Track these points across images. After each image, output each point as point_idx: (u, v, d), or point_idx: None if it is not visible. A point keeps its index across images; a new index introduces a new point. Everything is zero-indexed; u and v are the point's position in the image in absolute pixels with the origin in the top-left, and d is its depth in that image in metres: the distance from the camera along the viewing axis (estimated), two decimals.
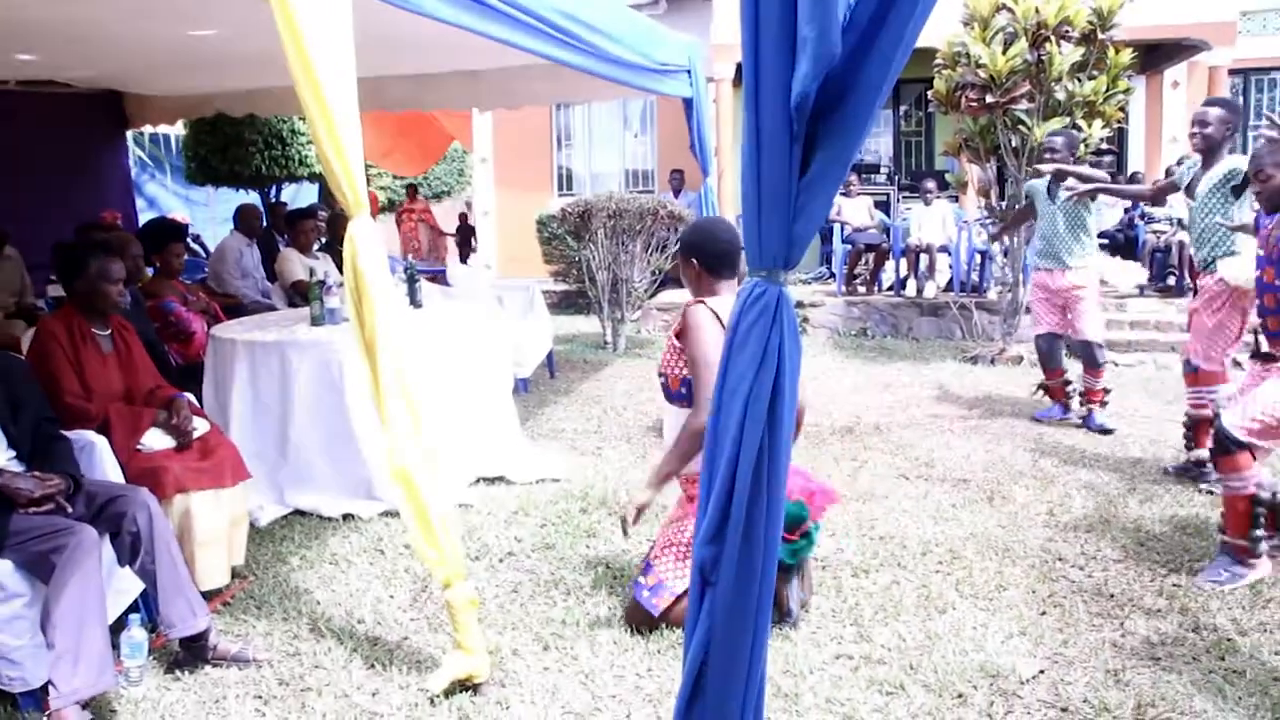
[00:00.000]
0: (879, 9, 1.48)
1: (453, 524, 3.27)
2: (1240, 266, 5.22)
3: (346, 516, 4.94)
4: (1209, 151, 5.44)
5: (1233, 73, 12.96)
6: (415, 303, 6.14)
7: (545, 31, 4.32)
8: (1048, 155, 7.00)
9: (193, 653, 3.43)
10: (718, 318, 3.52)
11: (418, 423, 3.20)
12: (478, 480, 5.51)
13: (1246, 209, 5.28)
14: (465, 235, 17.03)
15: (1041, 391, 7.24)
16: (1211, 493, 5.25)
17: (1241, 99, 14.53)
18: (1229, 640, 3.57)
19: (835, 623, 3.71)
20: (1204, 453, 5.51)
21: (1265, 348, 4.20)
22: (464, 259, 16.02)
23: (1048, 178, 6.95)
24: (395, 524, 4.75)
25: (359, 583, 4.17)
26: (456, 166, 23.58)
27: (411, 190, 17.15)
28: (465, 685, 3.23)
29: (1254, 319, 4.63)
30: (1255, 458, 4.05)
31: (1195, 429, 5.59)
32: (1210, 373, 5.43)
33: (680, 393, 3.63)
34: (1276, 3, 13.76)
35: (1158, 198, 5.91)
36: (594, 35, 5.04)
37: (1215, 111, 5.44)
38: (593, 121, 15.64)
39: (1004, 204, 9.24)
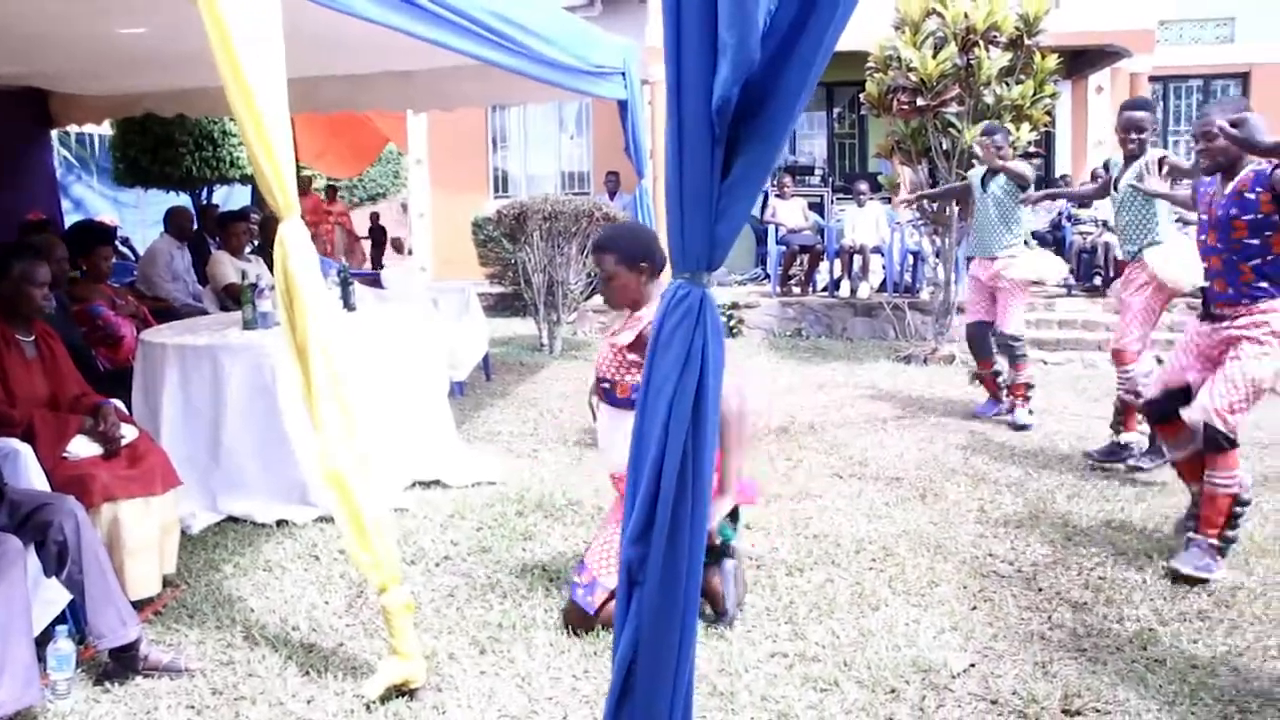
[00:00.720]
0: (799, 15, 1.50)
1: (387, 528, 3.26)
2: (1165, 258, 5.42)
3: (281, 522, 4.89)
4: (1135, 157, 5.64)
5: (1153, 79, 13.36)
6: (349, 306, 6.10)
7: (476, 32, 4.31)
8: (995, 149, 7.09)
9: (123, 664, 3.37)
10: None
11: (351, 427, 3.18)
12: (413, 484, 5.48)
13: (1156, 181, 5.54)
14: (378, 238, 16.92)
15: (977, 382, 7.38)
16: (1139, 468, 5.42)
17: (1161, 104, 14.97)
18: (1151, 630, 3.67)
19: (770, 621, 3.75)
20: (1131, 436, 5.76)
21: (1212, 309, 4.33)
22: (377, 263, 15.87)
23: (983, 169, 7.12)
24: (330, 529, 4.71)
25: (294, 589, 4.13)
26: (392, 168, 23.38)
27: (331, 192, 16.95)
28: (401, 690, 3.22)
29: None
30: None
31: (1125, 413, 5.78)
32: (1123, 351, 5.64)
33: (630, 399, 3.63)
34: (1190, 14, 14.20)
35: (1102, 195, 6.13)
36: (527, 37, 5.04)
37: (1146, 115, 5.66)
38: (528, 123, 15.60)
39: (935, 205, 9.38)
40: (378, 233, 16.97)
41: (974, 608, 3.90)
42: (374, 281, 8.86)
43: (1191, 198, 4.64)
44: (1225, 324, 4.22)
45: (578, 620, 3.64)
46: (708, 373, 1.80)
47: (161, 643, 3.61)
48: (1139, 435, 5.77)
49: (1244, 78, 14.82)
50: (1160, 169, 5.51)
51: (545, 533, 4.74)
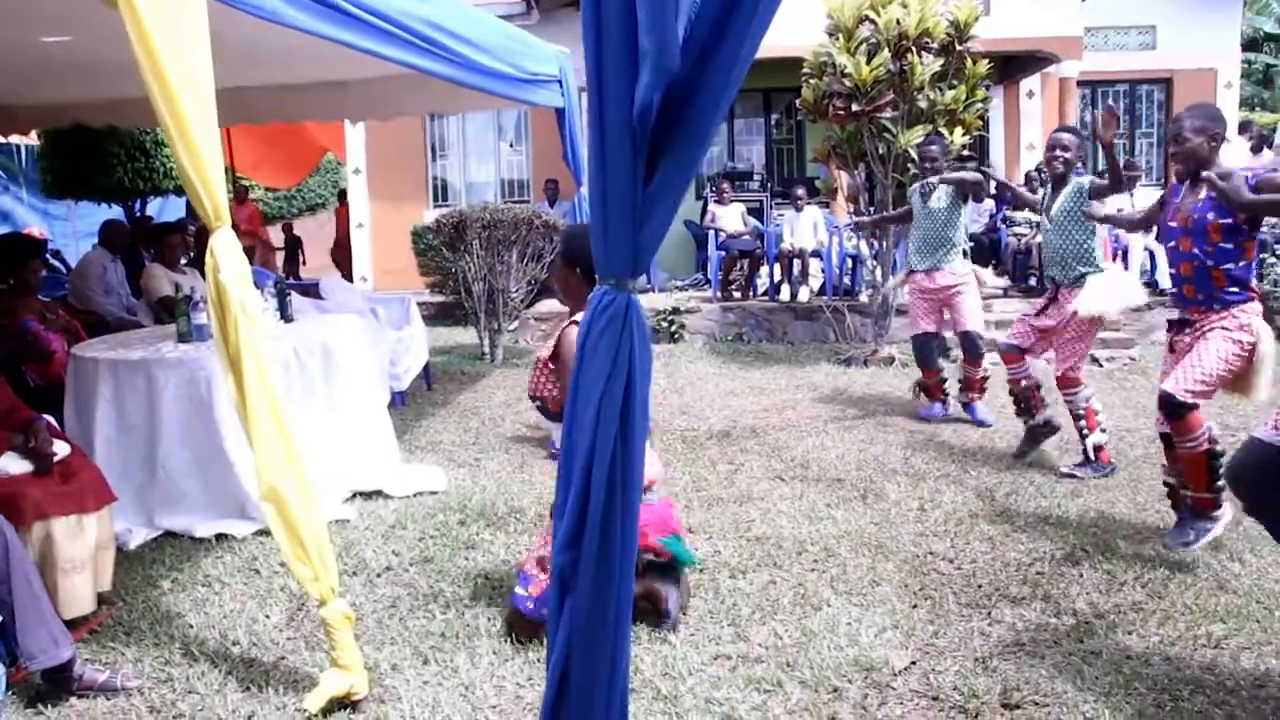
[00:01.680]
0: (718, 22, 1.52)
1: (326, 540, 3.23)
2: (1095, 296, 5.53)
3: (220, 537, 4.82)
4: (1066, 176, 5.76)
5: (1081, 84, 13.65)
6: (286, 317, 6.03)
7: (410, 41, 4.29)
8: (928, 164, 7.24)
9: (56, 685, 3.31)
10: None
11: (287, 439, 3.15)
12: (354, 495, 5.44)
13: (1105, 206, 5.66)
14: (292, 249, 16.76)
15: (919, 389, 7.47)
16: (1074, 476, 5.52)
17: (1090, 108, 15.31)
18: (1087, 623, 3.73)
19: (713, 624, 3.76)
20: (1045, 414, 6.02)
21: (1183, 314, 4.43)
22: (292, 274, 15.71)
23: (923, 181, 7.24)
24: (270, 543, 4.65)
25: (233, 604, 4.08)
26: (330, 178, 23.19)
27: (240, 201, 16.74)
28: (343, 703, 3.19)
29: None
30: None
31: (1027, 399, 6.01)
32: (1072, 377, 5.72)
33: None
34: (1115, 21, 14.61)
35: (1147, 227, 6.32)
36: (461, 45, 5.02)
37: (1071, 137, 5.80)
38: (467, 132, 15.54)
39: (872, 209, 9.48)
40: (293, 243, 16.81)
41: (915, 606, 3.94)
42: (313, 292, 8.77)
43: (1155, 210, 4.73)
44: (1197, 326, 4.33)
45: (521, 627, 3.63)
46: (635, 378, 1.80)
47: (96, 662, 3.54)
48: (1045, 409, 6.01)
49: (1167, 83, 15.23)
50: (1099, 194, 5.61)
51: (488, 541, 4.72)
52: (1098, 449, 5.70)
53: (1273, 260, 10.79)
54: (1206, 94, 14.71)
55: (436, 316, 12.65)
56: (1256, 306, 4.27)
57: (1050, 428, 6.05)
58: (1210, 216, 4.20)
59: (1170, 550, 4.34)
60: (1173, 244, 4.41)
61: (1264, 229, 11.36)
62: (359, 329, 6.15)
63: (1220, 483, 4.26)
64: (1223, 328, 4.25)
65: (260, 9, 3.37)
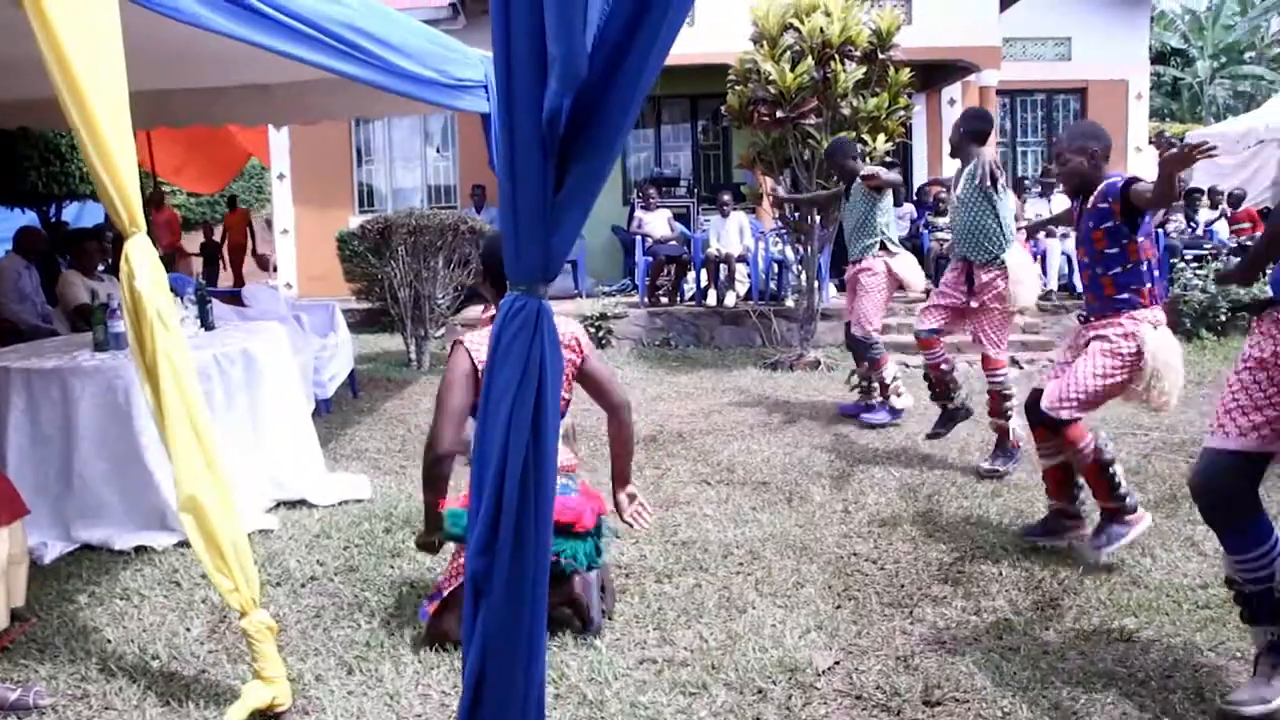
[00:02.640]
0: (626, 29, 1.53)
1: (247, 550, 3.19)
2: (1018, 274, 5.73)
3: (139, 549, 4.72)
4: (954, 153, 6.06)
5: (1000, 92, 13.99)
6: (207, 324, 5.94)
7: (332, 45, 4.24)
8: (842, 164, 7.42)
9: None
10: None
11: (207, 448, 3.10)
12: (278, 505, 5.37)
13: (1008, 202, 5.90)
14: (210, 255, 16.52)
15: (857, 380, 7.59)
16: (993, 473, 5.69)
17: (1009, 116, 15.70)
18: (1006, 620, 3.81)
19: (639, 628, 3.78)
20: (964, 396, 6.25)
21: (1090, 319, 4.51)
22: (211, 280, 15.48)
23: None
24: (192, 554, 4.53)
25: (153, 617, 4.00)
26: (255, 183, 22.86)
27: (158, 205, 16.47)
28: (266, 715, 3.15)
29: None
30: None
31: (944, 383, 6.20)
32: (997, 359, 5.90)
33: None
34: (1032, 33, 15.02)
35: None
36: (384, 50, 4.97)
37: (958, 120, 6.08)
38: (394, 137, 15.43)
39: (797, 214, 9.58)
40: (210, 249, 16.55)
41: (838, 606, 3.99)
42: (235, 299, 8.64)
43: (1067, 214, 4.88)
44: (1090, 330, 4.42)
45: (438, 635, 3.62)
46: (546, 383, 1.81)
47: (8, 680, 3.45)
48: (959, 392, 6.22)
49: (1082, 93, 15.68)
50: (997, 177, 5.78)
51: (413, 549, 4.66)
52: (1006, 434, 5.88)
53: (1181, 265, 11.10)
54: (1119, 104, 15.15)
55: (362, 323, 12.52)
56: (1148, 313, 4.28)
57: (965, 411, 6.25)
58: (1091, 225, 4.30)
59: (1085, 555, 4.39)
60: (1076, 252, 4.55)
61: (1172, 235, 11.71)
62: (282, 336, 6.07)
63: (1122, 490, 4.35)
64: (1104, 339, 4.30)
65: (177, 11, 3.32)
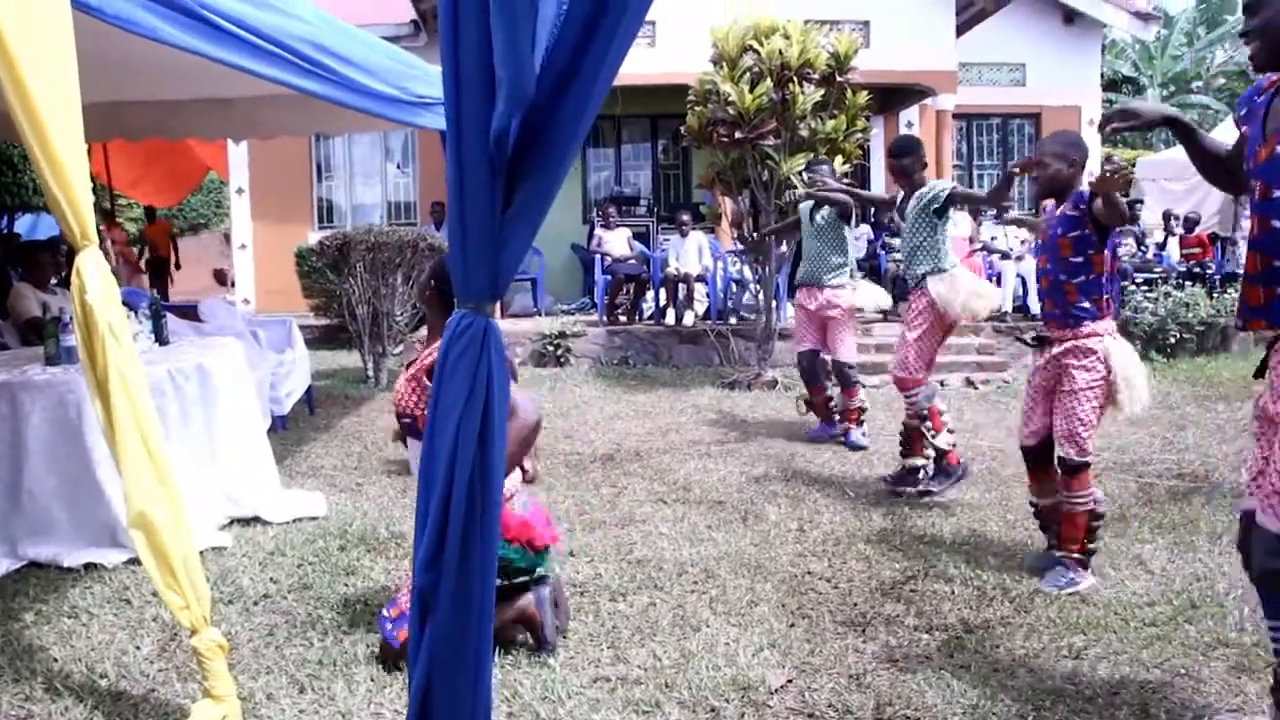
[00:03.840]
0: (574, 53, 1.55)
1: (198, 567, 3.16)
2: (951, 286, 5.74)
3: (89, 566, 4.65)
4: (899, 177, 6.08)
5: (957, 116, 14.22)
6: (162, 339, 5.89)
7: (292, 61, 4.23)
8: (819, 182, 7.40)
9: None
10: None
11: (159, 464, 3.08)
12: (231, 522, 5.32)
13: (949, 226, 5.98)
14: (159, 269, 16.35)
15: (806, 408, 7.61)
16: (928, 492, 5.67)
17: (966, 140, 15.95)
18: (958, 638, 3.84)
19: (593, 647, 3.78)
20: (918, 461, 5.98)
21: (1043, 331, 4.58)
22: (162, 294, 15.33)
23: (811, 201, 7.42)
24: (143, 572, 4.49)
25: (102, 635, 3.95)
26: (214, 197, 22.72)
27: (109, 219, 16.32)
28: None
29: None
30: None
31: (910, 439, 6.02)
32: (908, 379, 5.88)
33: None
34: (988, 58, 15.29)
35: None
36: (345, 67, 4.97)
37: (906, 149, 6.12)
38: (354, 153, 15.40)
39: (756, 234, 9.65)
40: (157, 264, 16.39)
41: (792, 625, 4.01)
42: (192, 314, 8.56)
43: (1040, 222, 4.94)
44: (1055, 348, 4.47)
45: (389, 655, 3.60)
46: (493, 401, 1.82)
47: None
48: (925, 460, 6.00)
49: (1036, 118, 15.98)
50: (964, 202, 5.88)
51: (368, 567, 4.66)
52: (944, 453, 5.85)
53: (1132, 288, 11.27)
54: (1072, 129, 15.38)
55: (320, 339, 12.45)
56: (1107, 325, 4.39)
57: (915, 478, 5.96)
58: (1059, 232, 4.39)
59: (1044, 592, 4.37)
60: (1037, 260, 4.63)
61: (1123, 258, 11.88)
62: (238, 352, 6.03)
63: (1095, 545, 4.43)
64: (1084, 369, 4.37)
65: (133, 24, 3.31)
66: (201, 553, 3.79)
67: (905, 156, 6.04)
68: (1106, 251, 4.36)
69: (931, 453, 5.94)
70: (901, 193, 6.16)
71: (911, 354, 5.87)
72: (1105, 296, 4.40)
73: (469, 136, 1.62)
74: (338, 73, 4.85)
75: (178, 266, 17.27)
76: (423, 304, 3.74)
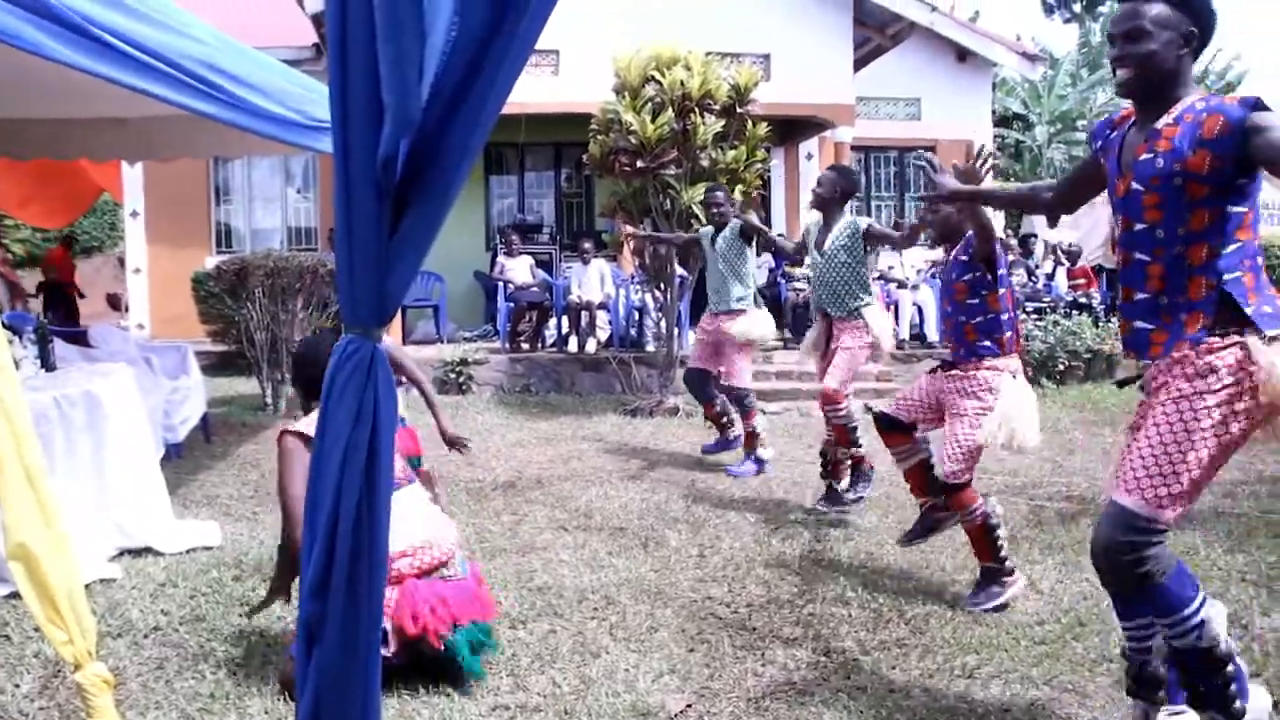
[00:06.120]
0: (463, 80, 1.56)
1: (82, 599, 3.06)
2: (875, 322, 5.92)
3: None
4: (822, 208, 6.14)
5: (855, 148, 14.54)
6: (48, 365, 5.72)
7: (184, 81, 4.15)
8: (714, 210, 7.47)
9: None
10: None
11: (41, 492, 2.98)
12: (121, 553, 5.17)
13: (870, 260, 6.11)
14: (51, 292, 15.88)
15: (711, 423, 7.71)
16: (844, 513, 5.77)
17: (863, 172, 16.32)
18: (855, 660, 3.90)
19: (492, 675, 3.74)
20: (843, 482, 6.15)
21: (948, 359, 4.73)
22: (67, 319, 14.86)
23: (713, 227, 7.49)
24: (24, 605, 4.35)
25: None
26: (108, 220, 22.12)
27: None
28: None
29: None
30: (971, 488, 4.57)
31: (832, 461, 6.16)
32: (834, 392, 5.98)
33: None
34: (885, 92, 15.75)
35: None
36: (242, 89, 4.90)
37: (828, 175, 6.25)
38: (253, 177, 15.13)
39: (657, 262, 9.72)
40: (50, 288, 15.90)
41: (692, 650, 4.03)
42: (82, 340, 8.32)
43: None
44: (955, 373, 4.61)
45: (291, 684, 3.53)
46: (380, 427, 1.81)
47: None
48: (847, 479, 6.14)
49: (932, 150, 16.34)
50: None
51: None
52: (861, 457, 6.07)
53: (1023, 317, 11.60)
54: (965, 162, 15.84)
55: (217, 366, 12.18)
56: (1007, 361, 4.54)
57: (841, 495, 6.13)
58: (954, 276, 4.52)
59: (969, 611, 4.45)
60: (940, 302, 4.76)
61: (1015, 288, 12.27)
62: (129, 379, 5.88)
63: (1003, 554, 4.54)
64: (975, 396, 4.53)
65: (19, 40, 3.23)
66: (89, 585, 3.68)
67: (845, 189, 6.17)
68: (1003, 289, 4.50)
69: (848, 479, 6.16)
70: (817, 223, 6.24)
71: (844, 373, 6.02)
72: (1006, 334, 4.54)
73: (356, 161, 1.62)
74: (234, 95, 4.78)
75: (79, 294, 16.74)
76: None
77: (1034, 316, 11.78)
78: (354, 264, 1.69)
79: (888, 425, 4.85)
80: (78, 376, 5.61)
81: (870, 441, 5.83)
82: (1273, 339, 2.74)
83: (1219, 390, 2.76)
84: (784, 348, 11.68)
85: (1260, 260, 2.88)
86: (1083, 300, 12.75)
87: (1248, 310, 2.77)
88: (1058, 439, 8.36)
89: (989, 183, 3.97)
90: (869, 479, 6.11)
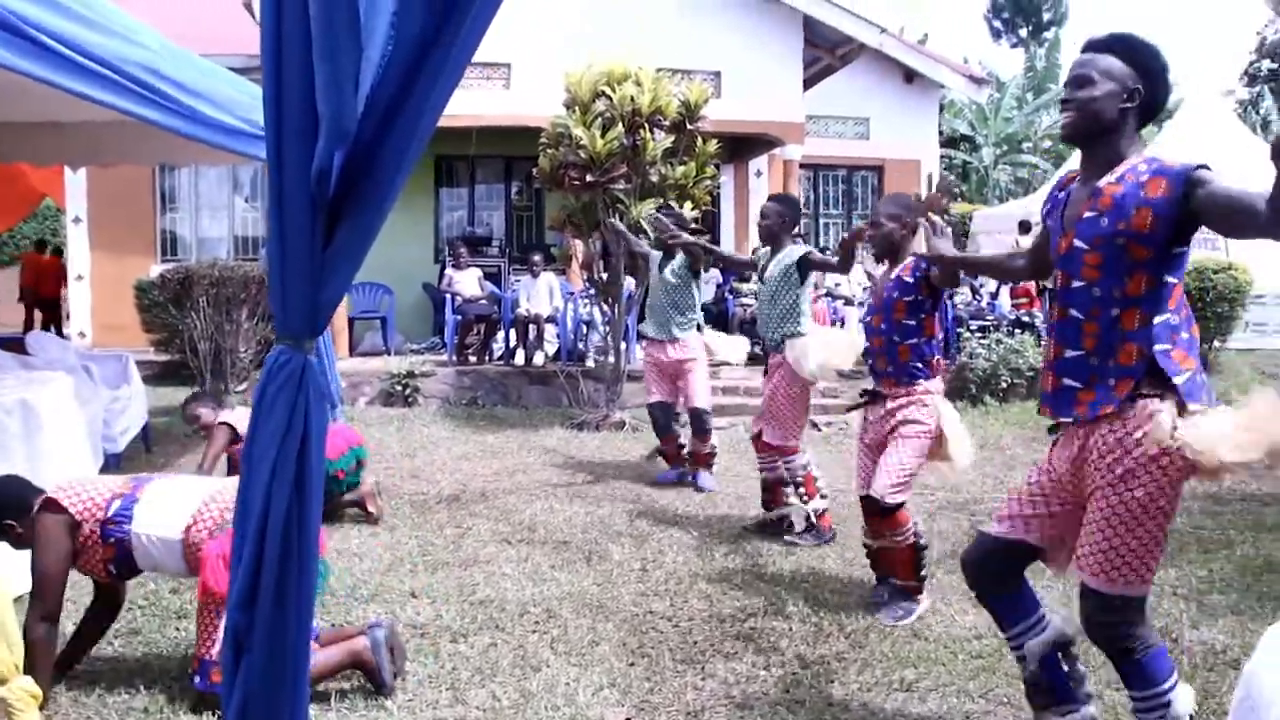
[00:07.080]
0: (397, 94, 1.57)
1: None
2: (804, 351, 5.78)
3: None
4: (770, 239, 6.09)
5: (804, 166, 14.67)
6: None
7: (127, 87, 4.12)
8: (668, 235, 7.30)
9: None
10: None
11: None
12: None
13: (809, 290, 6.01)
14: (41, 305, 15.68)
15: (658, 454, 7.67)
16: (794, 544, 5.74)
17: (812, 189, 16.47)
18: (794, 674, 3.93)
19: (431, 689, 3.73)
20: (783, 510, 6.02)
21: (873, 386, 4.73)
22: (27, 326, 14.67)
23: (662, 252, 7.46)
24: None
25: None
26: (49, 225, 21.77)
27: None
28: None
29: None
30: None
31: (771, 490, 6.09)
32: (788, 446, 5.90)
33: None
34: (834, 112, 15.94)
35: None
36: (186, 96, 4.86)
37: (772, 206, 6.15)
38: (200, 185, 14.96)
39: (606, 276, 9.74)
40: (40, 300, 15.69)
41: (632, 664, 4.03)
42: (17, 347, 8.17)
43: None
44: (889, 404, 4.63)
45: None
46: (310, 439, 1.81)
47: None
48: (788, 506, 6.04)
49: (879, 170, 16.67)
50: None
51: None
52: (818, 515, 5.88)
53: (968, 335, 11.75)
54: (911, 182, 16.10)
55: (160, 375, 12.00)
56: (937, 384, 4.62)
57: (784, 524, 6.00)
58: (895, 295, 4.57)
59: (883, 625, 4.50)
60: (869, 319, 4.76)
61: (959, 306, 12.41)
62: (66, 387, 5.79)
63: (924, 573, 4.64)
64: (914, 421, 4.56)
65: None
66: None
67: (791, 218, 6.13)
68: (937, 314, 4.58)
69: (794, 500, 6.00)
70: (766, 253, 6.20)
71: (789, 422, 5.86)
72: (935, 357, 4.62)
73: (290, 173, 1.62)
74: (179, 101, 4.74)
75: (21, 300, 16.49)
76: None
77: (978, 335, 11.92)
78: (286, 275, 1.68)
79: (869, 507, 4.72)
80: (13, 384, 5.52)
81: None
82: (1193, 412, 2.79)
83: (1153, 470, 2.80)
84: (730, 364, 11.72)
85: (1195, 331, 2.92)
86: (1025, 319, 12.91)
87: (1176, 380, 2.80)
88: (999, 455, 8.46)
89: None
90: (822, 538, 5.84)
